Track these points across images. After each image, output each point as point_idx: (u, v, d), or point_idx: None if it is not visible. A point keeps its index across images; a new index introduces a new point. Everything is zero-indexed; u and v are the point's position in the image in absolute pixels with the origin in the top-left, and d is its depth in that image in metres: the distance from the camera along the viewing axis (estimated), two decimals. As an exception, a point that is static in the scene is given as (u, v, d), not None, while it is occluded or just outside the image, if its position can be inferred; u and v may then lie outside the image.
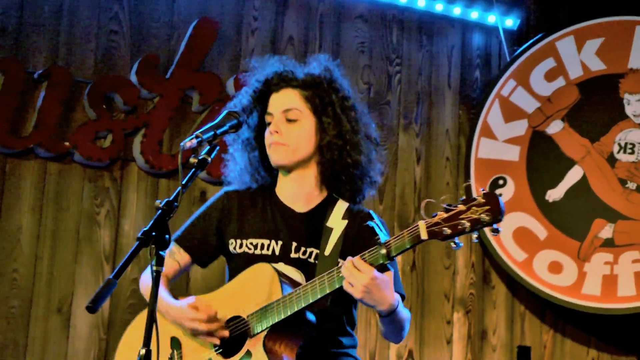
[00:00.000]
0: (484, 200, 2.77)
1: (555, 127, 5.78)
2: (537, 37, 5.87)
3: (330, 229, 3.24)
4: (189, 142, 2.89)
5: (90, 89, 5.11)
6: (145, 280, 3.39)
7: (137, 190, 5.18)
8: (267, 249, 3.25)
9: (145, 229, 2.70)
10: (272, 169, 3.35)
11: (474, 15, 5.95)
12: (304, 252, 3.24)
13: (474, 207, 2.78)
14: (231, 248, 3.31)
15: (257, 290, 3.12)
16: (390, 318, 3.02)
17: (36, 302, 4.94)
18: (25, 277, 4.94)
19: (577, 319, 5.69)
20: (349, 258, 2.93)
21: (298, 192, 3.32)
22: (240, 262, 3.27)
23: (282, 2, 5.64)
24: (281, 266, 3.19)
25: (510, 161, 5.77)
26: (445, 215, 2.81)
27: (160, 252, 2.71)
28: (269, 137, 3.28)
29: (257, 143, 3.35)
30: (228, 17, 5.51)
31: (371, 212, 3.21)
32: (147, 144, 5.14)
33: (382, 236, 2.94)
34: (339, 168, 3.28)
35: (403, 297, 3.21)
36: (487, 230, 2.82)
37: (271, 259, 3.22)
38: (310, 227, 3.27)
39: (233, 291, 3.21)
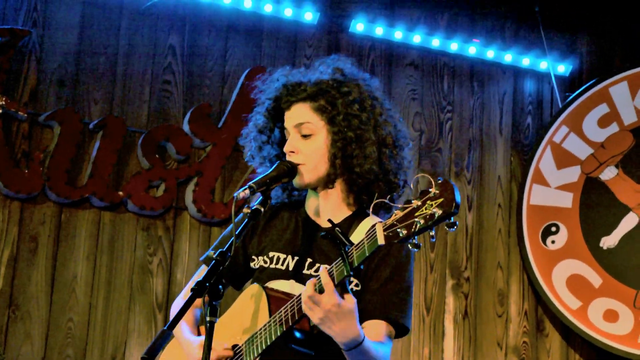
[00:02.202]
0: (438, 192, 2.51)
1: (609, 174, 5.74)
2: (590, 83, 5.85)
3: None
4: (242, 193, 2.88)
5: (144, 139, 5.16)
6: (177, 304, 3.27)
7: (189, 239, 5.21)
8: (282, 264, 3.08)
9: (199, 279, 2.71)
10: None
11: (526, 62, 5.94)
12: (317, 269, 3.03)
13: (428, 202, 2.51)
14: (252, 265, 3.16)
15: (250, 315, 2.97)
16: (352, 353, 2.79)
17: (90, 351, 4.97)
18: (80, 326, 4.98)
19: (633, 369, 5.61)
20: (311, 281, 2.74)
21: (324, 207, 3.11)
22: (256, 276, 3.14)
23: (334, 50, 5.68)
24: (289, 285, 3.03)
25: (563, 208, 5.72)
26: (400, 214, 2.56)
27: (214, 303, 2.72)
28: (288, 157, 3.08)
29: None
30: (280, 66, 5.51)
31: None
32: (199, 192, 5.18)
33: (347, 245, 2.71)
34: (360, 179, 3.04)
35: (402, 329, 2.99)
36: (445, 227, 2.50)
37: (283, 274, 3.05)
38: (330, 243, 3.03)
39: (232, 316, 3.05)
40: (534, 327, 5.72)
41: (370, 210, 2.79)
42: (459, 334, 5.58)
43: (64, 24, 5.20)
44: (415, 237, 2.56)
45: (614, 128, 5.78)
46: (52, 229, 5.01)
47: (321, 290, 2.73)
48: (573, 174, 5.76)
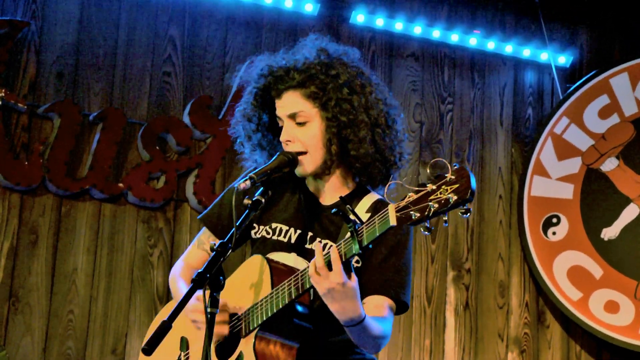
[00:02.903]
0: (454, 178, 2.50)
1: (609, 165, 5.73)
2: (590, 74, 5.84)
3: None
4: (242, 184, 2.88)
5: (144, 130, 5.15)
6: (174, 274, 3.28)
7: (190, 230, 5.20)
8: (285, 236, 3.08)
9: (199, 270, 2.70)
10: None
11: (526, 53, 5.93)
12: None
13: (443, 186, 2.51)
14: (252, 232, 3.15)
15: (252, 286, 2.97)
16: (352, 329, 2.82)
17: (91, 343, 4.97)
18: (81, 318, 4.97)
19: (634, 360, 5.62)
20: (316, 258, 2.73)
21: (323, 185, 3.12)
22: (257, 246, 3.14)
23: (335, 41, 5.65)
24: (292, 258, 3.04)
25: (564, 199, 5.72)
26: (415, 196, 2.56)
27: (214, 294, 2.71)
28: (285, 147, 3.07)
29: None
30: (280, 58, 5.54)
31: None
32: (200, 184, 5.17)
33: (358, 222, 2.69)
34: (357, 163, 3.05)
35: (402, 305, 3.01)
36: (459, 213, 2.50)
37: (286, 246, 3.06)
38: (331, 219, 3.04)
39: (232, 286, 3.01)
40: (535, 319, 5.71)
41: (385, 192, 2.78)
42: (460, 326, 5.57)
43: (63, 16, 5.18)
44: (428, 220, 2.55)
45: (614, 119, 5.77)
46: (52, 221, 5.00)
47: (329, 266, 2.72)
48: (574, 165, 5.76)
